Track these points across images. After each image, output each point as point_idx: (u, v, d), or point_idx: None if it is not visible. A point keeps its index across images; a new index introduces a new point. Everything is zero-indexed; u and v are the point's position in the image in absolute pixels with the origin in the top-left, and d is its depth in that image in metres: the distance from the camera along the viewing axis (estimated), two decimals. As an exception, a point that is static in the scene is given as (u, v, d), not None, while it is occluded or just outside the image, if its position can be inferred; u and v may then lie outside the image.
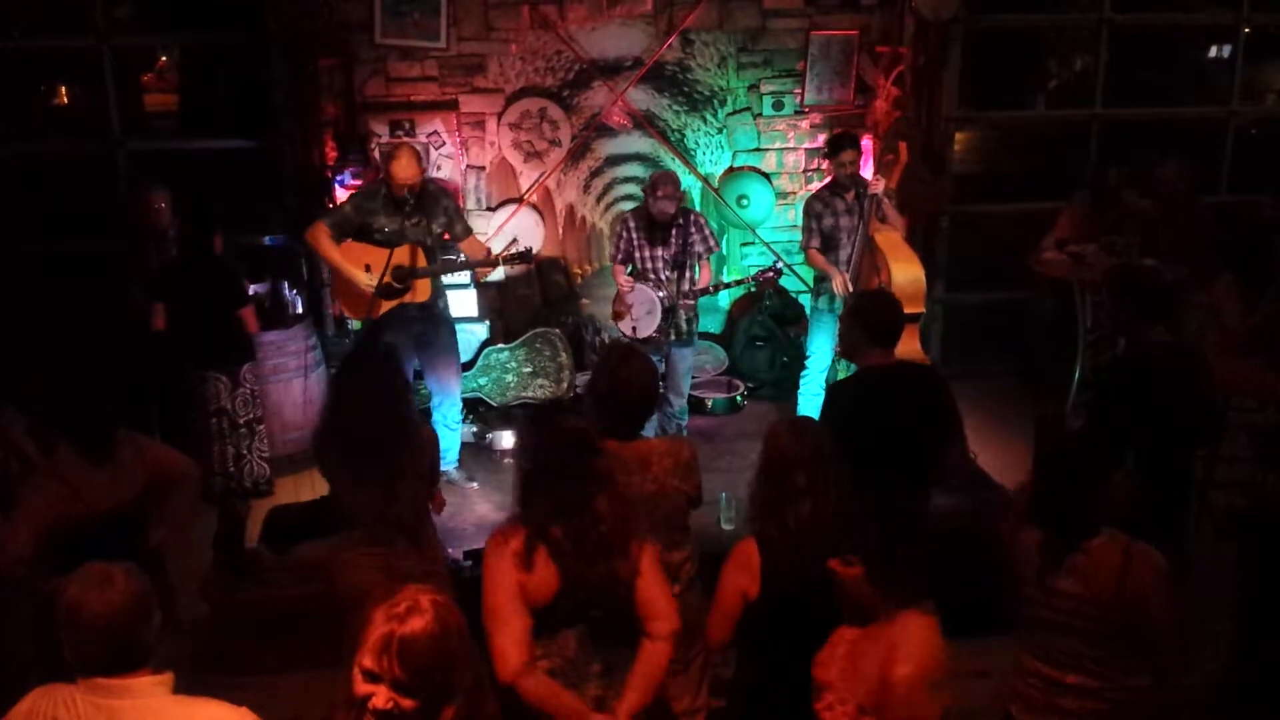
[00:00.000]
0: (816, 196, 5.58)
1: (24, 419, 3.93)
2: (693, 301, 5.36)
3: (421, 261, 4.96)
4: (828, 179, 5.70)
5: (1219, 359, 4.08)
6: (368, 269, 4.89)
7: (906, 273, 5.16)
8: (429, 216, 5.01)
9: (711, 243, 5.44)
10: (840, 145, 5.46)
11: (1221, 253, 5.27)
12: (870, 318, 3.61)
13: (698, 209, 6.83)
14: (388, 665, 1.92)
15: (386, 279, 4.87)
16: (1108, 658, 2.70)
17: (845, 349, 3.71)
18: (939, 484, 3.87)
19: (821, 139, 6.69)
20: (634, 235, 5.35)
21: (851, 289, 5.29)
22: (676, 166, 6.70)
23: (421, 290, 5.01)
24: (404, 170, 4.85)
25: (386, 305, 4.96)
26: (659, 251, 5.31)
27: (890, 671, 2.35)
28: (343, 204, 5.03)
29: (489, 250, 5.48)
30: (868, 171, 5.86)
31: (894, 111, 6.55)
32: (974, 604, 4.00)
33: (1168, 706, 2.73)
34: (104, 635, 2.10)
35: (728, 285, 5.78)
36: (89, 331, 5.50)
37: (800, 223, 5.67)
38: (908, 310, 5.26)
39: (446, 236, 5.17)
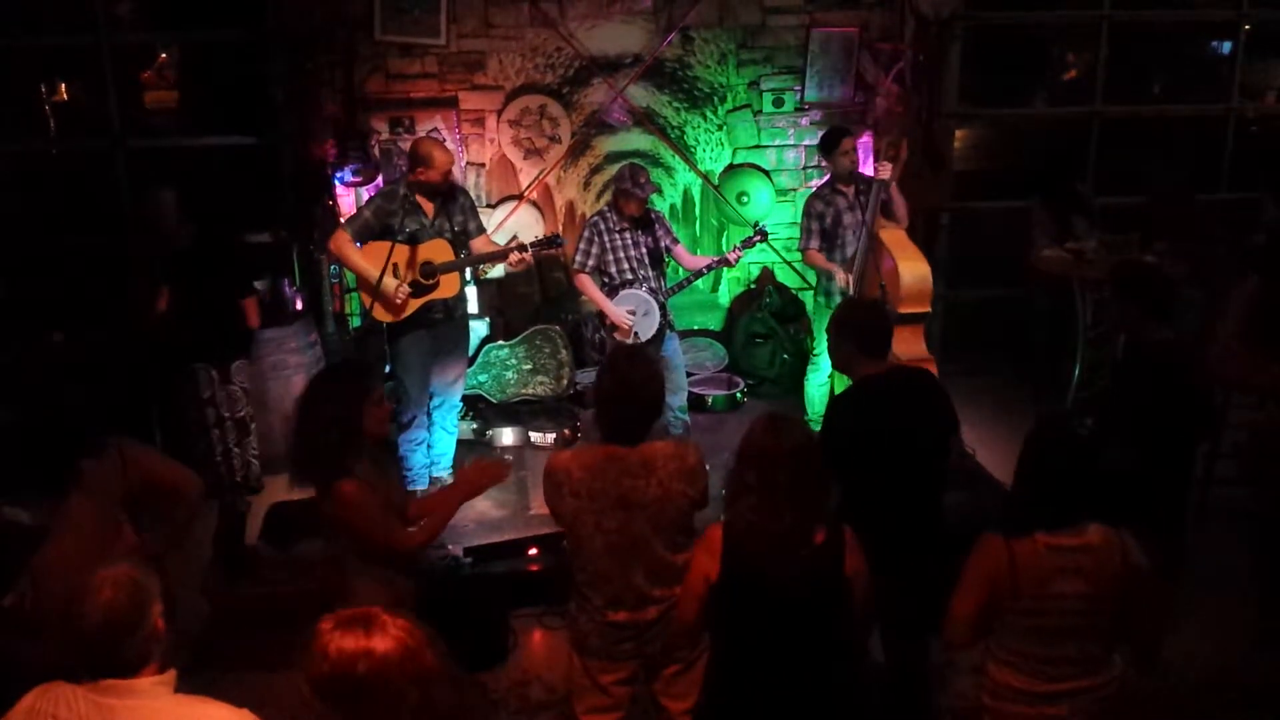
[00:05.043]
0: (817, 195, 5.52)
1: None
2: (673, 292, 5.40)
3: (448, 256, 4.90)
4: (826, 176, 5.67)
5: (1225, 356, 4.09)
6: (395, 269, 4.79)
7: (914, 271, 5.08)
8: (449, 213, 4.96)
9: (672, 232, 5.47)
10: (836, 138, 5.44)
11: (1235, 253, 5.28)
12: (856, 330, 3.48)
13: (697, 206, 6.85)
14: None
15: (414, 276, 4.80)
16: (1098, 653, 2.75)
17: (837, 364, 3.64)
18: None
19: (822, 135, 6.69)
20: (606, 240, 5.23)
21: (854, 287, 5.24)
22: (677, 163, 6.70)
23: (449, 285, 4.96)
24: (446, 156, 4.84)
25: (414, 304, 4.89)
26: (633, 252, 5.26)
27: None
28: (362, 209, 4.93)
29: (515, 238, 5.41)
30: (868, 167, 5.83)
31: (896, 108, 6.55)
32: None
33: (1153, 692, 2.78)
34: (104, 632, 2.09)
35: (720, 261, 5.41)
36: (87, 331, 5.49)
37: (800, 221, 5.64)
38: (914, 310, 5.23)
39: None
